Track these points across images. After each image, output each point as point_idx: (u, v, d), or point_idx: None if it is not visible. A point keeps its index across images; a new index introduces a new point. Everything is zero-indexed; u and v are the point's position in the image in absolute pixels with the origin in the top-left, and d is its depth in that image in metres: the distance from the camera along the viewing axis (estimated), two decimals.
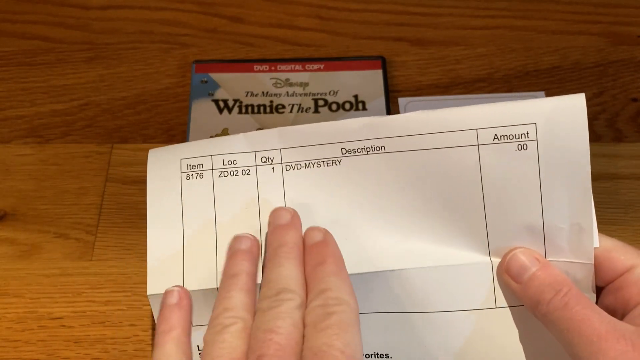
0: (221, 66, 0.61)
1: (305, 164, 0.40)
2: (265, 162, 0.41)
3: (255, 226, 0.41)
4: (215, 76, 0.60)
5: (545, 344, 0.39)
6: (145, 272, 0.52)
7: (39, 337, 0.49)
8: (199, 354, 0.42)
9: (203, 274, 0.40)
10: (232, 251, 0.39)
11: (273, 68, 0.61)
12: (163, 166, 0.42)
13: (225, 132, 0.57)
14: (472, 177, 0.39)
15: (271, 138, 0.41)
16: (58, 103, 0.60)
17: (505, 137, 0.38)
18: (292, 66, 0.61)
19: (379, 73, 0.60)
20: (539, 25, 0.64)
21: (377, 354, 0.41)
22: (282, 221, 0.39)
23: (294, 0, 0.66)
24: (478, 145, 0.38)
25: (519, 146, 0.38)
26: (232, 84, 0.60)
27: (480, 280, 0.39)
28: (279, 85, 0.60)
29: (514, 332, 0.40)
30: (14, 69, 0.62)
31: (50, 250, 0.53)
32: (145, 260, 0.52)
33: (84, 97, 0.61)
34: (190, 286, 0.40)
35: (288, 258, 0.37)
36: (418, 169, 0.39)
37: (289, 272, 0.36)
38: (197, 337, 0.41)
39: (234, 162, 0.41)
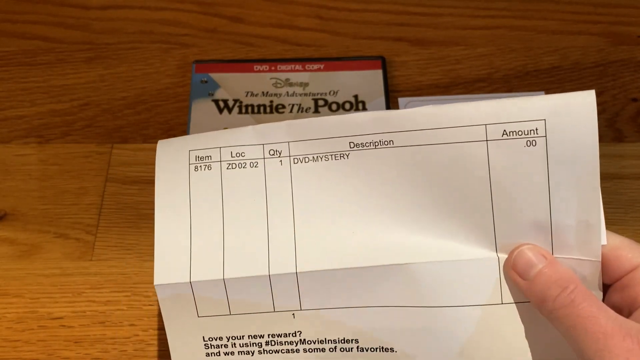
0: (221, 66, 0.61)
1: (313, 157, 0.40)
2: (273, 154, 0.41)
3: (262, 218, 0.41)
4: (215, 76, 0.60)
5: (551, 340, 0.39)
6: (145, 271, 0.52)
7: (39, 337, 0.49)
8: (204, 345, 0.42)
9: (210, 265, 0.41)
10: None
11: (273, 68, 0.61)
12: (171, 157, 0.42)
13: None
14: (480, 172, 0.39)
15: (280, 131, 0.41)
16: (58, 103, 0.60)
17: (514, 132, 0.38)
18: (292, 66, 0.61)
19: (379, 73, 0.60)
20: (539, 25, 0.64)
21: (383, 347, 0.41)
22: None
23: (294, 0, 0.66)
24: (487, 140, 0.38)
25: (528, 142, 0.38)
26: (232, 84, 0.60)
27: (487, 276, 0.39)
28: (279, 85, 0.60)
29: (520, 329, 0.40)
30: (14, 69, 0.62)
31: (50, 250, 0.53)
32: (146, 260, 0.52)
33: (84, 97, 0.60)
34: (197, 277, 0.40)
35: None
36: (426, 163, 0.39)
37: None
38: (203, 328, 0.42)
39: (242, 155, 0.41)
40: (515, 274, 0.38)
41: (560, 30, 0.64)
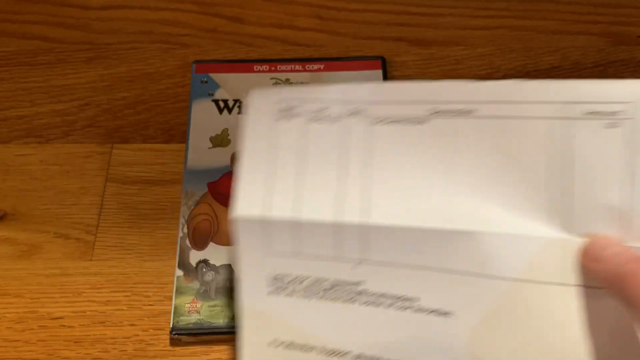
0: (221, 66, 0.61)
1: (393, 120, 0.41)
2: (355, 113, 0.42)
3: (342, 171, 0.42)
4: (215, 76, 0.60)
5: (615, 329, 0.38)
6: (145, 271, 0.52)
7: (39, 337, 0.49)
8: (267, 283, 0.43)
9: (286, 207, 0.42)
10: None
11: (273, 68, 0.61)
12: (260, 106, 0.44)
13: (225, 133, 0.57)
14: (560, 151, 0.38)
15: (363, 92, 0.42)
16: (58, 103, 0.60)
17: (598, 113, 0.37)
18: (292, 66, 0.61)
19: (379, 73, 0.60)
20: (539, 25, 0.64)
21: (440, 310, 0.41)
22: None
23: (294, 0, 0.66)
24: (569, 119, 0.38)
25: (612, 124, 0.37)
26: (232, 84, 0.60)
27: (555, 256, 0.38)
28: (279, 86, 0.60)
29: (583, 314, 0.39)
30: (14, 69, 0.62)
31: (50, 250, 0.53)
32: (146, 260, 0.53)
33: (84, 97, 0.61)
34: (271, 215, 0.41)
35: None
36: (505, 136, 0.39)
37: None
38: (269, 266, 0.42)
39: (326, 110, 0.42)
40: (588, 258, 0.38)
41: (560, 30, 0.64)
